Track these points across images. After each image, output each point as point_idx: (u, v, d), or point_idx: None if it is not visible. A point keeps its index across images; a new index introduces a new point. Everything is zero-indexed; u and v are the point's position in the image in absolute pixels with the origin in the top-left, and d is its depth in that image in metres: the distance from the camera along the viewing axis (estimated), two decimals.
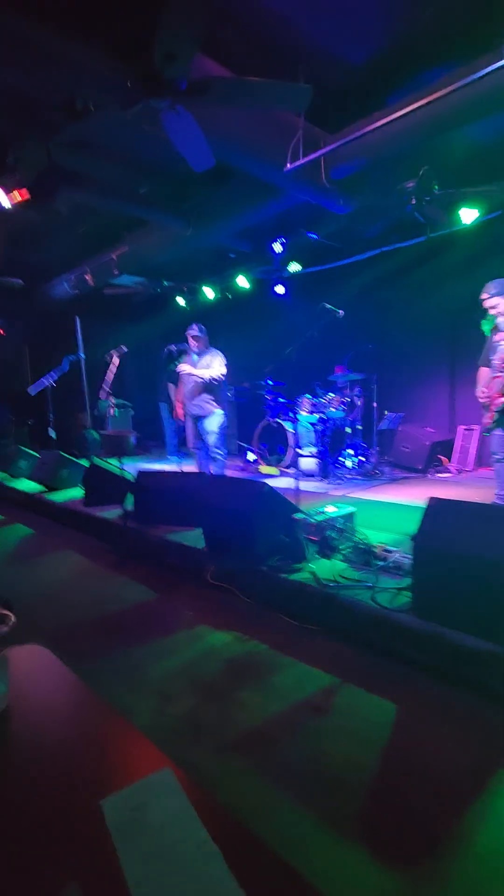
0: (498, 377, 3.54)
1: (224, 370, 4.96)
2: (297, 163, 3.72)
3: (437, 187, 4.55)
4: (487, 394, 3.59)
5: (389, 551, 2.84)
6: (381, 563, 2.73)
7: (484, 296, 3.67)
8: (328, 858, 1.25)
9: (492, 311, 3.66)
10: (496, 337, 3.64)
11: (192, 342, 5.04)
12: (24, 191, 3.96)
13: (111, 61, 2.74)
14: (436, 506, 2.21)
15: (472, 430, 6.16)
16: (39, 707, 0.73)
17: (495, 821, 1.34)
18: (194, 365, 5.05)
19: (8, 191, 3.93)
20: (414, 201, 4.73)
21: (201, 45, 2.88)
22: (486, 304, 3.67)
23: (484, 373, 3.68)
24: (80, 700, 0.76)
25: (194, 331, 5.01)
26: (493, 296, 3.62)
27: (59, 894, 0.45)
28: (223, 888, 0.41)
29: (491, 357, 3.61)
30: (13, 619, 0.78)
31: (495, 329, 3.68)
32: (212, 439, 5.04)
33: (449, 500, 2.22)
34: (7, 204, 3.97)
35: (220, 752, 1.64)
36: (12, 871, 0.50)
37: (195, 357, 5.08)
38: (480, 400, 3.68)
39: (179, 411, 5.47)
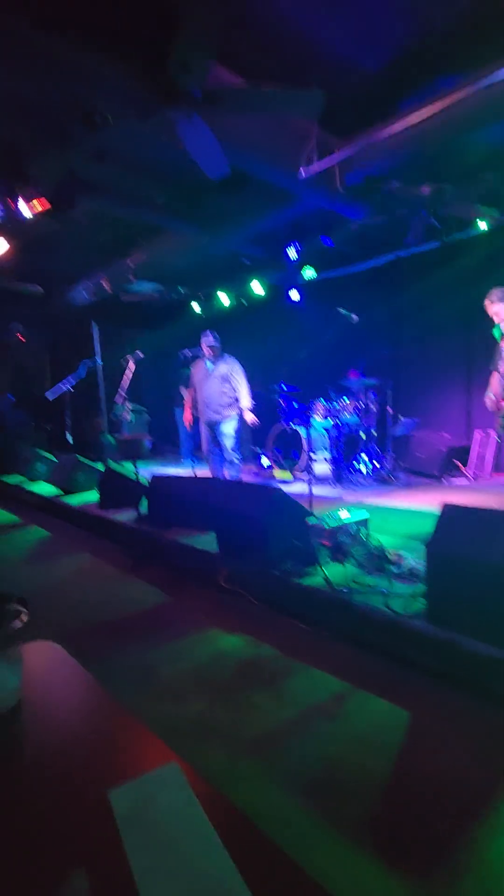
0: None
1: (247, 388, 5.03)
2: (312, 169, 3.75)
3: (451, 194, 4.53)
4: (494, 400, 3.66)
5: (403, 557, 2.81)
6: (394, 569, 2.71)
7: (487, 302, 3.69)
8: (336, 862, 1.24)
9: (496, 318, 3.70)
10: (502, 344, 3.68)
11: (207, 350, 5.07)
12: (44, 200, 4.06)
13: (128, 73, 2.80)
14: (449, 512, 2.19)
15: (490, 435, 6.07)
16: (51, 701, 0.75)
17: None
18: (209, 373, 5.09)
19: (28, 201, 4.03)
20: (429, 206, 4.72)
21: (216, 55, 2.94)
22: (490, 310, 3.69)
23: (495, 378, 3.70)
24: (91, 696, 0.78)
25: (209, 339, 5.03)
26: (494, 302, 3.64)
27: (66, 882, 0.46)
28: (226, 880, 0.42)
29: (499, 363, 3.66)
30: (26, 615, 0.80)
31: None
32: (229, 443, 5.07)
33: (463, 506, 2.20)
34: (28, 214, 4.07)
35: (230, 755, 1.64)
36: (21, 859, 0.51)
37: (209, 364, 5.12)
38: (487, 406, 3.73)
39: (188, 417, 5.50)
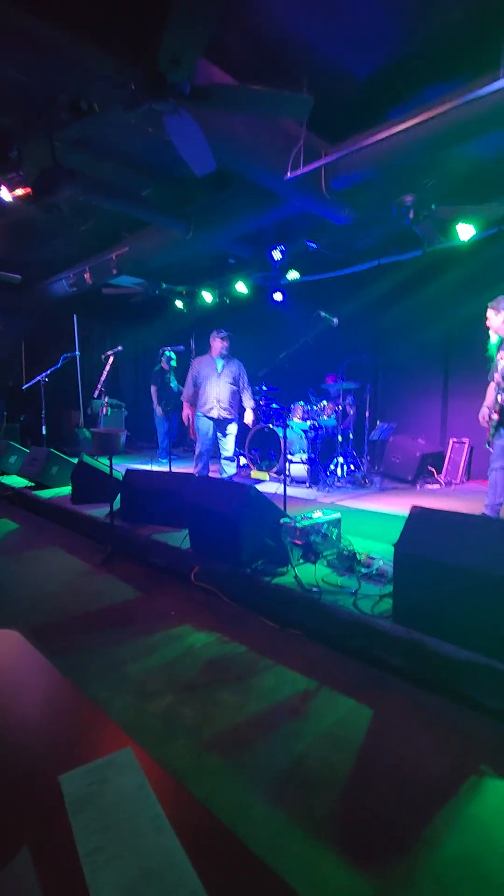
0: (492, 394, 3.67)
1: (250, 391, 5.36)
2: (298, 172, 3.77)
3: (434, 205, 4.62)
4: (486, 414, 3.71)
5: (373, 558, 2.85)
6: (364, 570, 2.75)
7: (491, 311, 3.74)
8: (298, 856, 1.25)
9: (494, 330, 3.75)
10: (498, 355, 3.74)
11: (221, 344, 5.12)
12: (25, 186, 3.98)
13: (116, 62, 2.77)
14: (418, 515, 2.23)
15: (464, 443, 6.21)
16: (7, 688, 0.73)
17: (465, 825, 1.35)
18: (219, 371, 5.14)
19: (9, 186, 3.95)
20: (412, 215, 4.81)
21: (207, 52, 2.93)
22: (492, 321, 3.74)
23: (491, 389, 3.78)
24: (48, 682, 0.77)
25: (223, 337, 5.13)
26: (500, 311, 3.70)
27: (10, 862, 0.45)
28: (172, 858, 0.42)
29: (494, 374, 3.73)
30: None
31: (499, 346, 3.79)
32: (232, 442, 5.31)
33: (431, 509, 2.24)
34: (7, 197, 3.98)
35: (195, 750, 1.63)
36: None
37: (219, 362, 5.15)
38: (480, 420, 3.78)
39: (187, 412, 5.39)
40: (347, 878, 1.20)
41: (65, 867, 0.44)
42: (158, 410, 7.31)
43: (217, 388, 5.14)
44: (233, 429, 5.28)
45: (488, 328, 3.81)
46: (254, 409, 5.41)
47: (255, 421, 6.52)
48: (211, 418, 5.19)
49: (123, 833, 0.45)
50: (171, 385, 7.18)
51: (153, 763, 0.56)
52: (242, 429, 5.55)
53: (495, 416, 3.63)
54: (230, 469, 5.39)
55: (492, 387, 3.74)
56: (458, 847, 1.28)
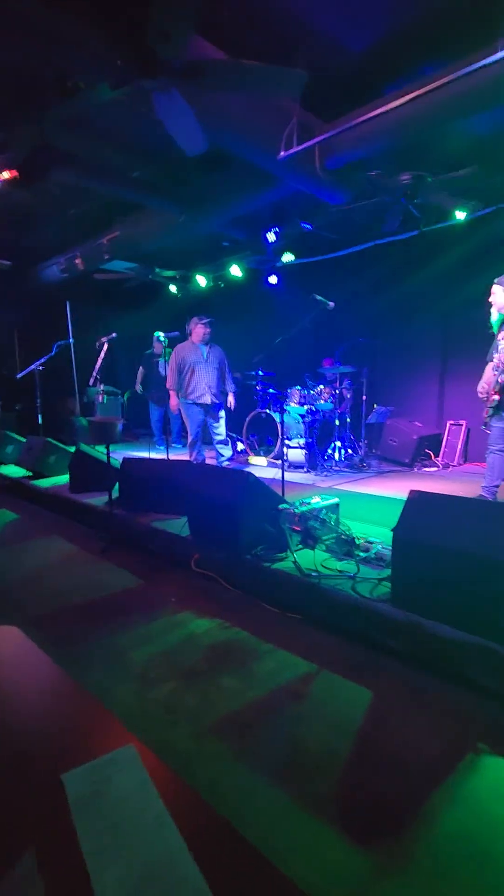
0: (493, 375, 3.62)
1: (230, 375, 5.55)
2: (291, 150, 3.68)
3: (431, 180, 4.53)
4: (486, 389, 3.67)
5: (371, 543, 2.87)
6: (362, 554, 2.77)
7: (497, 287, 3.69)
8: (299, 836, 1.28)
9: (496, 307, 3.71)
10: (499, 336, 3.69)
11: (204, 330, 5.21)
12: (14, 170, 3.88)
13: (104, 38, 2.67)
14: (416, 498, 2.23)
15: (460, 425, 6.21)
16: (8, 685, 0.73)
17: (462, 805, 1.38)
18: (205, 358, 5.24)
19: None
20: (408, 194, 4.72)
21: (197, 26, 2.83)
22: (496, 297, 3.69)
23: (488, 368, 3.75)
24: (50, 679, 0.77)
25: (206, 324, 5.23)
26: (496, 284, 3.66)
27: (15, 862, 0.46)
28: (175, 855, 0.43)
29: (494, 354, 3.69)
30: None
31: (500, 325, 3.74)
32: (223, 426, 5.46)
33: (429, 492, 2.25)
34: None
35: (197, 736, 1.66)
36: None
37: (203, 349, 5.20)
38: (479, 395, 3.75)
39: (175, 402, 5.39)
40: (347, 857, 1.22)
41: (69, 867, 0.44)
42: (138, 388, 7.65)
43: (207, 374, 5.24)
44: (223, 412, 5.47)
45: (490, 304, 3.74)
46: (235, 394, 5.59)
47: (252, 406, 6.51)
48: (201, 405, 5.25)
49: (127, 831, 0.45)
50: (159, 370, 7.19)
51: (155, 759, 0.56)
52: (232, 413, 5.69)
53: (496, 397, 3.60)
54: (226, 452, 5.55)
55: (490, 367, 3.70)
56: (456, 825, 1.31)
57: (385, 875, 1.18)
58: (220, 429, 5.47)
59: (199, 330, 5.20)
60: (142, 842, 0.47)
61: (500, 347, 3.63)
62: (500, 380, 3.58)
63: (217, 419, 5.42)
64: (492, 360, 3.70)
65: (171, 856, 0.45)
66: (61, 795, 0.52)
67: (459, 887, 1.16)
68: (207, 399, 5.25)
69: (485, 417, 3.75)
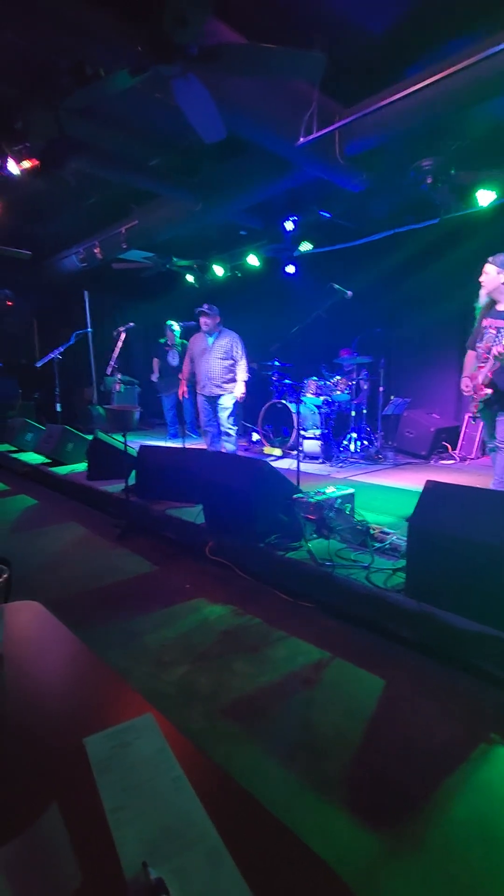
0: (482, 367, 3.26)
1: (245, 363, 5.06)
2: (311, 137, 3.63)
3: (454, 169, 4.43)
4: (471, 385, 3.33)
5: (387, 533, 2.86)
6: (377, 545, 2.76)
7: (490, 266, 3.29)
8: (310, 816, 1.31)
9: (485, 288, 3.31)
10: (484, 322, 3.31)
11: (202, 320, 5.02)
12: (33, 159, 3.91)
13: (121, 25, 2.67)
14: (432, 489, 2.22)
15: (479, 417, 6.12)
16: (32, 656, 0.76)
17: (474, 789, 1.39)
18: (209, 347, 5.05)
19: (17, 158, 3.88)
20: (430, 180, 4.62)
21: (215, 10, 2.80)
22: (486, 276, 3.30)
23: (470, 357, 3.40)
24: (71, 651, 0.80)
25: (206, 312, 4.99)
26: (500, 269, 3.23)
27: (42, 814, 0.48)
28: (192, 816, 0.45)
29: (478, 343, 3.34)
30: (7, 573, 0.81)
31: (485, 310, 3.34)
32: (226, 416, 5.10)
33: (445, 483, 2.23)
34: (15, 170, 3.92)
35: (211, 717, 1.69)
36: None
37: (209, 339, 5.07)
38: (464, 392, 3.42)
39: (183, 389, 5.46)
40: (358, 837, 1.25)
41: (91, 823, 0.46)
42: (154, 378, 7.53)
43: (207, 364, 5.05)
44: (226, 402, 5.07)
45: (480, 284, 3.33)
46: (246, 382, 5.09)
47: (268, 397, 6.50)
48: (206, 396, 5.14)
49: (146, 792, 0.47)
50: (169, 359, 7.21)
51: (172, 728, 0.59)
52: (244, 403, 5.33)
53: (487, 392, 3.22)
54: (229, 446, 5.22)
55: (471, 356, 3.36)
56: (467, 810, 1.32)
57: (395, 856, 1.20)
58: (223, 420, 5.13)
59: (201, 320, 5.06)
60: (160, 802, 0.49)
61: (485, 337, 3.27)
62: (488, 373, 3.21)
63: (218, 410, 5.13)
64: (472, 348, 3.36)
65: (189, 816, 0.47)
66: (83, 757, 0.54)
67: (470, 869, 1.17)
68: (208, 390, 5.07)
69: (474, 412, 3.38)
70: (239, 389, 5.07)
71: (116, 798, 0.47)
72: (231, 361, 5.05)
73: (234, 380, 5.06)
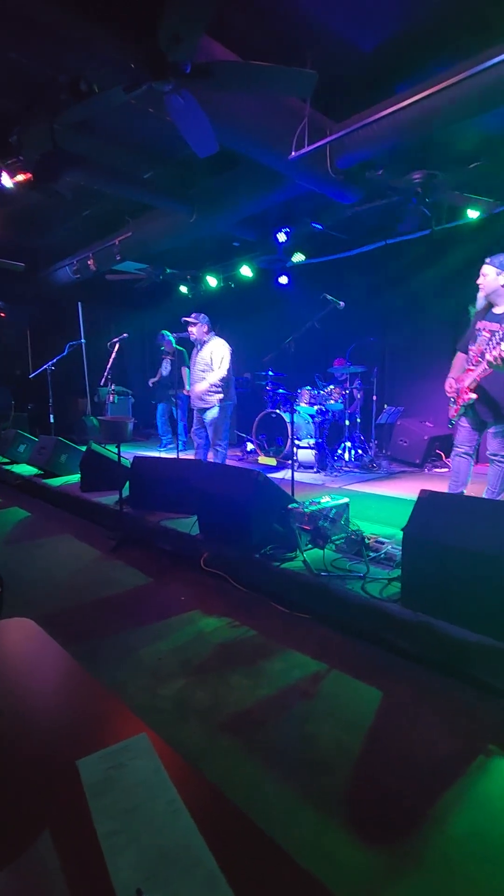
0: (470, 370, 3.19)
1: (224, 370, 4.72)
2: (302, 151, 3.68)
3: (441, 177, 4.50)
4: (455, 387, 3.26)
5: (382, 542, 2.86)
6: (372, 554, 2.76)
7: (488, 267, 3.22)
8: (308, 833, 1.28)
9: (483, 290, 3.23)
10: (479, 325, 3.23)
11: (189, 330, 4.94)
12: (27, 172, 3.94)
13: (116, 42, 2.70)
14: (427, 498, 2.22)
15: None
16: (23, 675, 0.75)
17: (473, 804, 1.38)
18: (194, 359, 4.97)
19: (10, 172, 3.90)
20: (420, 193, 4.69)
21: (208, 28, 2.85)
22: (483, 278, 3.23)
23: (459, 359, 3.34)
24: (64, 669, 0.78)
25: (190, 318, 4.86)
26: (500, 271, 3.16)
27: (32, 842, 0.47)
28: (188, 839, 0.44)
29: (470, 345, 3.26)
30: (0, 588, 0.80)
31: (481, 312, 3.27)
32: (213, 431, 4.90)
33: (440, 492, 2.24)
34: (8, 183, 3.94)
35: (208, 732, 1.67)
36: None
37: (197, 349, 5.03)
38: (447, 393, 3.34)
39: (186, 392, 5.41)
40: (357, 855, 1.23)
41: (84, 849, 0.45)
42: (151, 382, 7.34)
43: (193, 376, 4.92)
44: (211, 414, 4.81)
45: (478, 287, 3.24)
46: (214, 385, 4.73)
47: (262, 406, 6.51)
48: (194, 408, 5.02)
49: (141, 816, 0.46)
50: (162, 369, 7.18)
51: (168, 748, 0.58)
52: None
53: (471, 396, 3.16)
54: (217, 459, 4.90)
55: (461, 358, 3.29)
56: (466, 825, 1.31)
57: (396, 874, 1.18)
58: (210, 433, 4.88)
59: (188, 329, 4.93)
60: (156, 826, 0.48)
61: (478, 339, 3.18)
62: (476, 377, 3.12)
63: (204, 423, 4.91)
64: (462, 351, 3.29)
65: (185, 840, 0.46)
66: (76, 780, 0.53)
67: (472, 886, 1.15)
68: (193, 402, 4.93)
69: (453, 416, 3.32)
70: (199, 386, 4.78)
71: (110, 822, 0.46)
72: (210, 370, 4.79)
73: (217, 392, 4.77)
